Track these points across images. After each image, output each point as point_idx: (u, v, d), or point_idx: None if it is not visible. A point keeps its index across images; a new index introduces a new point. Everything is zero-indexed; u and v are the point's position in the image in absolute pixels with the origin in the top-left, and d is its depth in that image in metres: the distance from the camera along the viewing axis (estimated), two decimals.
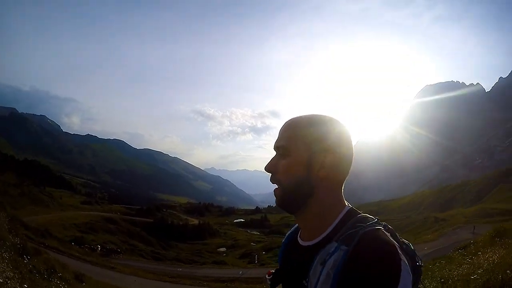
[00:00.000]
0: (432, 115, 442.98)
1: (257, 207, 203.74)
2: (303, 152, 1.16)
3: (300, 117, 1.21)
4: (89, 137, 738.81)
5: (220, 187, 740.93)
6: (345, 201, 1.21)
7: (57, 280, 9.57)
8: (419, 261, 1.13)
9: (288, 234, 1.38)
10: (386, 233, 1.06)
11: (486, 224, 36.67)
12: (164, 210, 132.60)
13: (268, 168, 1.23)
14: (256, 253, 68.08)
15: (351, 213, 1.17)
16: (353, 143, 1.17)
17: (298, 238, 1.25)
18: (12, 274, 6.11)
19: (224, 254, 76.33)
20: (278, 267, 1.36)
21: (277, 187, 1.22)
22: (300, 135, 1.17)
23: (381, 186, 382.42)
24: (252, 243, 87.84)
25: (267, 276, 1.38)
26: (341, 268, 0.99)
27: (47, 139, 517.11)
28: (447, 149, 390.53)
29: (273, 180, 1.22)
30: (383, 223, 1.12)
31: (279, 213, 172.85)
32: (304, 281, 1.09)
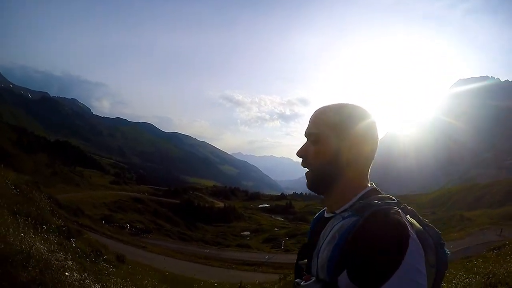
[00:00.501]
0: (464, 109, 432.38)
1: (282, 193, 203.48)
2: (332, 140, 1.24)
3: (331, 105, 1.30)
4: (119, 120, 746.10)
5: (246, 172, 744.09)
6: (370, 183, 1.29)
7: (102, 262, 9.68)
8: (444, 245, 1.18)
9: (318, 214, 1.45)
10: (404, 214, 1.08)
11: None
12: (191, 192, 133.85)
13: (300, 153, 1.31)
14: (281, 239, 68.65)
15: (372, 192, 1.23)
16: (383, 134, 1.04)
17: (324, 213, 1.33)
18: (63, 258, 6.32)
19: (248, 238, 76.48)
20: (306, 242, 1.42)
21: (308, 170, 1.31)
22: (330, 123, 1.25)
23: (409, 180, 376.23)
24: (276, 229, 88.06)
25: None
26: (347, 234, 1.04)
27: (78, 121, 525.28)
28: (479, 145, 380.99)
29: (304, 164, 1.30)
30: (403, 204, 1.15)
31: (304, 200, 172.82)
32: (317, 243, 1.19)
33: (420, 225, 1.13)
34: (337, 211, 1.23)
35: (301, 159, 1.32)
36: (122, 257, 11.23)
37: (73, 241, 9.71)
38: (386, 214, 1.04)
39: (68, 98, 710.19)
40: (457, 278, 7.49)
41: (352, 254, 0.99)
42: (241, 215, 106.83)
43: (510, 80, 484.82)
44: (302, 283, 1.11)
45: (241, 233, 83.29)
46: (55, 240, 7.67)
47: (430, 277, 1.09)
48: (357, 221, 1.05)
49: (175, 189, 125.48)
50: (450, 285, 6.89)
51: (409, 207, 1.17)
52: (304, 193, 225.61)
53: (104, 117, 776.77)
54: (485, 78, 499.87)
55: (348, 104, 1.30)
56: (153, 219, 74.77)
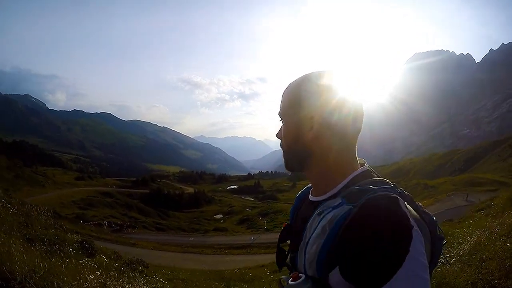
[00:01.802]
0: (420, 83, 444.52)
1: (249, 173, 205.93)
2: (292, 116, 1.13)
3: (293, 80, 1.18)
4: (76, 113, 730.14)
5: (210, 154, 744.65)
6: (361, 164, 1.15)
7: (143, 274, 9.07)
8: (440, 231, 1.05)
9: (302, 191, 1.36)
10: (402, 200, 0.94)
11: (477, 193, 37.71)
12: (158, 180, 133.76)
13: (277, 135, 1.23)
14: (254, 219, 70.10)
15: (365, 174, 1.09)
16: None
17: (310, 195, 1.21)
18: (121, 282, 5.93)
19: (222, 221, 77.21)
20: (289, 223, 1.33)
21: (283, 151, 1.21)
22: (289, 99, 1.15)
23: (368, 154, 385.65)
24: (247, 209, 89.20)
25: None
26: (339, 227, 0.90)
27: (34, 118, 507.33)
28: (435, 117, 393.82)
29: (281, 145, 1.22)
30: (400, 189, 1.03)
31: (271, 178, 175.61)
32: (303, 234, 1.06)
33: (417, 212, 1.01)
34: (323, 197, 1.09)
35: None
36: (142, 261, 11.19)
37: (99, 256, 8.90)
38: (384, 202, 0.90)
39: (21, 94, 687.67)
40: (470, 234, 7.36)
41: (346, 249, 0.87)
42: (211, 198, 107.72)
43: (464, 54, 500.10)
44: (290, 282, 0.97)
45: (214, 216, 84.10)
46: (90, 262, 6.85)
47: None
48: (350, 211, 0.91)
49: (143, 178, 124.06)
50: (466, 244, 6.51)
51: (406, 192, 1.05)
52: (270, 172, 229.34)
53: (60, 110, 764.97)
54: (441, 52, 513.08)
55: (310, 72, 1.16)
56: (125, 212, 74.25)
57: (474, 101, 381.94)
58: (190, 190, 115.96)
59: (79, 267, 5.57)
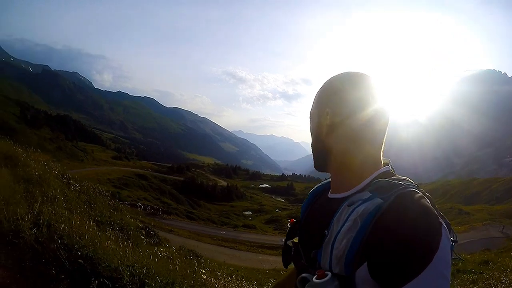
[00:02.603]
0: (468, 102, 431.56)
1: (282, 174, 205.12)
2: (316, 116, 1.15)
3: (326, 82, 1.18)
4: (120, 94, 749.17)
5: (246, 150, 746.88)
6: (386, 163, 1.12)
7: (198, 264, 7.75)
8: (454, 236, 0.99)
9: (317, 187, 1.32)
10: (427, 199, 0.93)
11: None
12: (193, 169, 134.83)
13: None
14: (283, 221, 69.64)
15: (388, 173, 1.08)
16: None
17: (329, 193, 1.18)
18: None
19: (250, 218, 77.69)
20: (300, 220, 1.30)
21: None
22: (316, 98, 1.18)
23: (405, 170, 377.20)
24: (277, 209, 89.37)
25: (288, 225, 1.35)
26: (371, 221, 0.87)
27: (79, 95, 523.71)
28: (478, 141, 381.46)
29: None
30: (422, 189, 1.00)
31: (305, 182, 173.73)
32: (325, 230, 0.99)
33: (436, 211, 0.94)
34: (347, 193, 1.07)
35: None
36: (195, 253, 10.43)
37: (164, 246, 8.47)
38: (417, 198, 0.90)
39: (69, 71, 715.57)
40: None
41: (377, 245, 0.84)
42: (243, 194, 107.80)
43: None
44: (315, 280, 0.92)
45: (243, 212, 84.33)
46: (164, 253, 6.32)
47: None
48: (382, 204, 0.89)
49: (179, 166, 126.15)
50: None
51: (427, 194, 0.99)
52: (303, 175, 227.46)
53: (105, 90, 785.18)
54: (491, 72, 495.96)
55: (339, 74, 1.18)
56: (158, 196, 75.59)
57: None
58: (223, 183, 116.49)
59: (168, 262, 4.90)
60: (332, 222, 0.98)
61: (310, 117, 1.20)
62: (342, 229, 0.92)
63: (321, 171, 1.19)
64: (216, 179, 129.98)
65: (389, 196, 0.89)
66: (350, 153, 1.09)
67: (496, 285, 7.40)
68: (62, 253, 3.23)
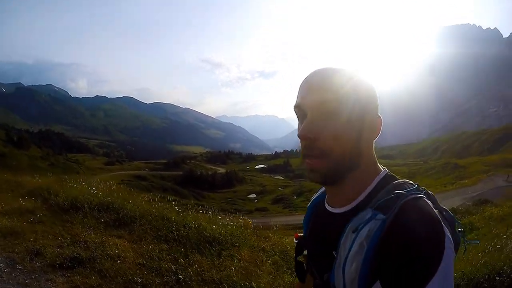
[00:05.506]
0: (446, 58, 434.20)
1: (275, 152, 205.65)
2: (356, 112, 0.94)
3: (338, 71, 0.95)
4: (98, 99, 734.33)
5: (233, 133, 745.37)
6: (380, 165, 1.04)
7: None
8: (460, 228, 0.98)
9: (314, 199, 1.23)
10: (428, 201, 0.90)
11: None
12: (189, 161, 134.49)
13: (308, 134, 0.93)
14: (289, 198, 69.96)
15: (387, 178, 1.00)
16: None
17: (326, 204, 1.09)
18: None
19: (256, 201, 77.82)
20: (304, 234, 1.25)
21: (315, 159, 0.94)
22: (351, 97, 0.92)
23: (394, 131, 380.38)
24: (279, 188, 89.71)
25: (295, 240, 1.29)
26: (378, 239, 0.84)
27: (57, 106, 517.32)
28: (461, 95, 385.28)
29: (312, 150, 0.94)
30: (423, 189, 0.95)
31: (299, 157, 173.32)
32: (333, 252, 0.95)
33: (438, 209, 0.92)
34: (351, 207, 0.98)
35: (301, 140, 0.97)
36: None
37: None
38: (417, 209, 0.85)
39: (44, 84, 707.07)
40: None
41: (386, 262, 0.82)
42: (242, 178, 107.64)
43: (491, 28, 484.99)
44: None
45: (248, 196, 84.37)
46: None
47: None
48: (385, 221, 0.85)
49: (174, 160, 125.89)
50: None
51: (430, 192, 0.96)
52: (295, 150, 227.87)
53: (83, 97, 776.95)
54: (467, 26, 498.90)
55: (357, 73, 0.96)
56: (162, 195, 74.20)
57: (501, 78, 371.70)
58: (221, 170, 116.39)
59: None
60: (339, 245, 0.94)
61: (335, 111, 0.92)
62: (350, 253, 0.90)
63: (334, 185, 1.01)
64: (212, 167, 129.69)
65: (392, 211, 0.86)
66: (370, 162, 1.01)
67: None
68: None
